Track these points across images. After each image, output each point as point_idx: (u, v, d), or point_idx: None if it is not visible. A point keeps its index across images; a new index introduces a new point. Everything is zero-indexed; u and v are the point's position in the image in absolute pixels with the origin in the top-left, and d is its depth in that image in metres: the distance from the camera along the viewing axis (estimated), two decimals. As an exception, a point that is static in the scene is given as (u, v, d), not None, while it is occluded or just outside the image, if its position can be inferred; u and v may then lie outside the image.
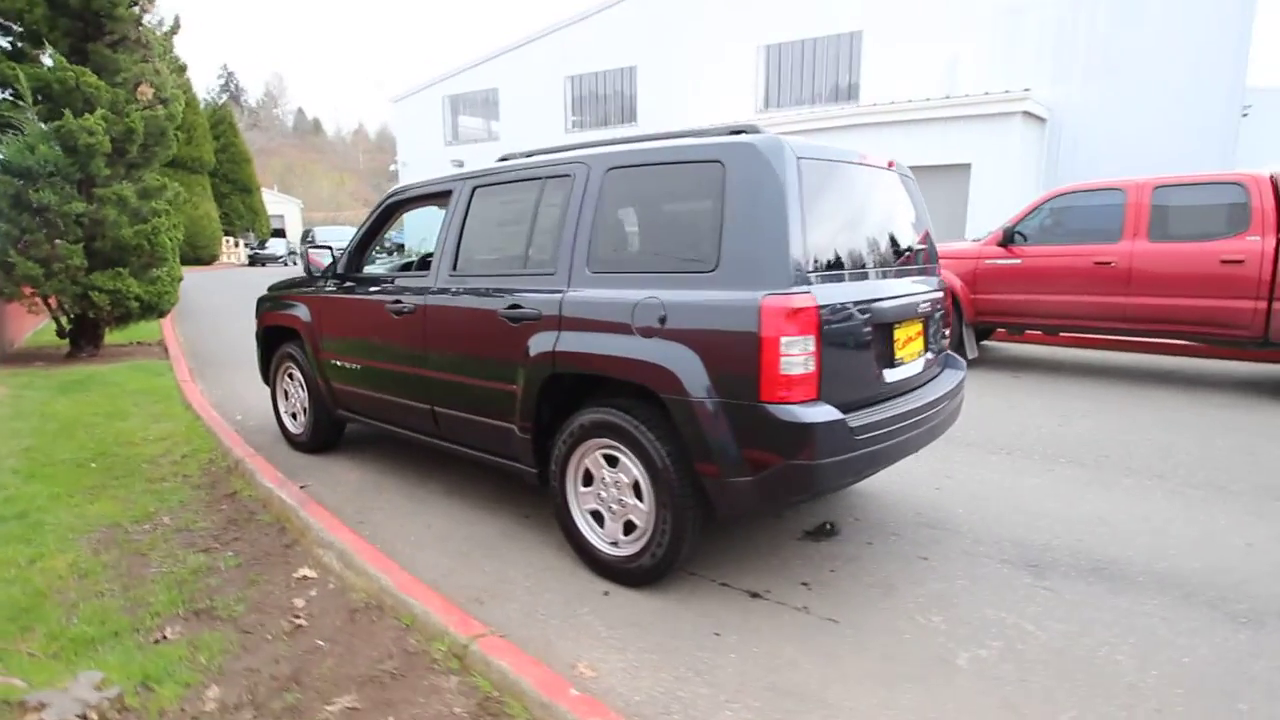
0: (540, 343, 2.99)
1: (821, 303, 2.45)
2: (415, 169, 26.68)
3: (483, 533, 3.47)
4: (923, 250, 3.36)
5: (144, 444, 4.81)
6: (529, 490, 3.94)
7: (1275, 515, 3.59)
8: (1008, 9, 15.06)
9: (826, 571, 3.05)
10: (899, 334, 2.93)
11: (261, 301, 5.01)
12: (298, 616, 2.65)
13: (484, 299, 3.28)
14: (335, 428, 4.67)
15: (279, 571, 3.03)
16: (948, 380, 3.32)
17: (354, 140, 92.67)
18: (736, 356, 2.46)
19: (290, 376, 4.81)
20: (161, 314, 8.67)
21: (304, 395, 4.66)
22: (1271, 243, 5.52)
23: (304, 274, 4.55)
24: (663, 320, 2.61)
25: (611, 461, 2.90)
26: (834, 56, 18.39)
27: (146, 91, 8.09)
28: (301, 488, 3.87)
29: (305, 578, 2.94)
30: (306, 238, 26.51)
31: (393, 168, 28.80)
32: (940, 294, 3.37)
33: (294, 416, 4.86)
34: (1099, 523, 3.51)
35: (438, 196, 3.84)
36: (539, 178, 3.21)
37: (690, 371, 2.53)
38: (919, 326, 3.13)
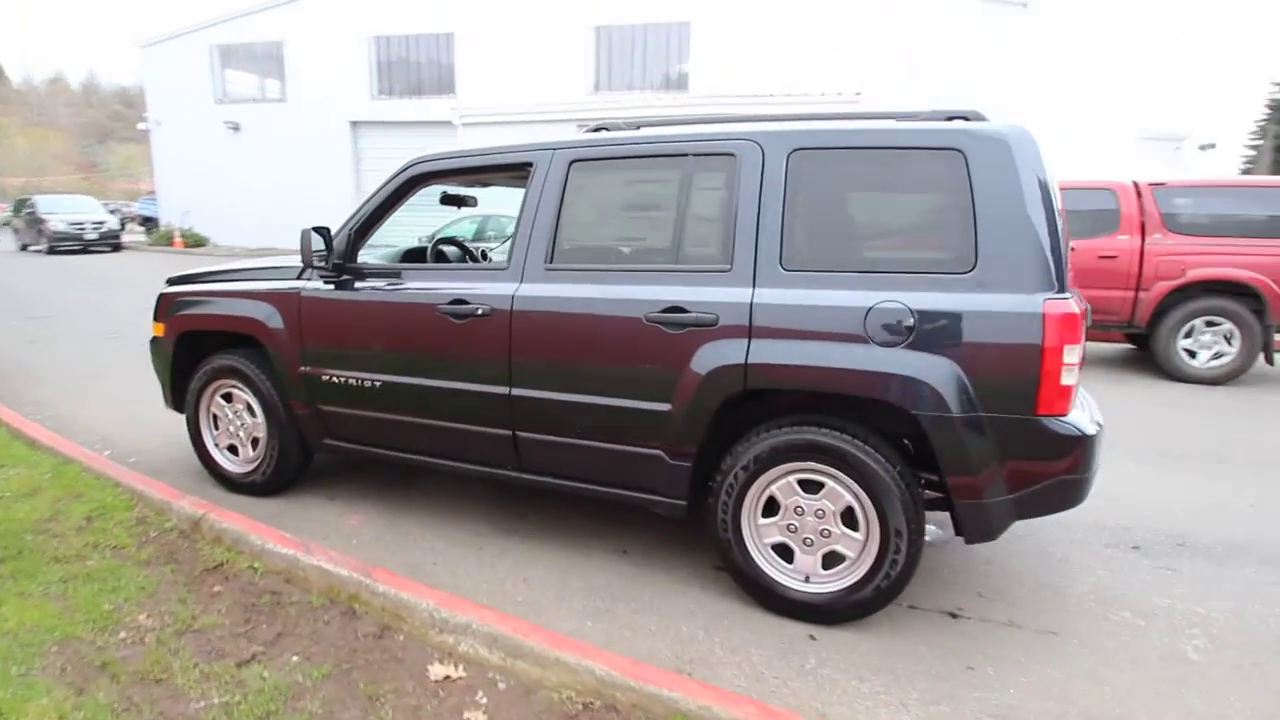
0: (718, 354, 2.52)
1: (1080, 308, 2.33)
2: (174, 129, 22.43)
3: (596, 578, 2.90)
4: None
5: (2, 506, 3.36)
6: (590, 517, 3.39)
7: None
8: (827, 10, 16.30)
9: (980, 578, 2.99)
10: None
11: (171, 300, 3.74)
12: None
13: (615, 301, 2.70)
14: (304, 462, 3.65)
15: (402, 677, 2.24)
16: None
17: (51, 91, 75.87)
18: (1010, 367, 2.25)
19: (227, 399, 3.66)
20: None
21: (255, 422, 3.57)
22: (1138, 241, 6.53)
23: (277, 262, 3.47)
24: (911, 329, 2.31)
25: (810, 488, 2.55)
26: (664, 44, 18.64)
27: None
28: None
29: (448, 679, 2.21)
30: (22, 209, 20.97)
31: (141, 126, 23.90)
32: None
33: (233, 450, 3.72)
34: (1150, 500, 3.84)
35: (499, 170, 3.11)
36: (682, 154, 2.69)
37: (951, 385, 2.27)
38: None
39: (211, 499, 3.53)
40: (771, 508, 2.62)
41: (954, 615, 2.69)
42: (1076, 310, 2.23)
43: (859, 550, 2.51)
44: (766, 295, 2.49)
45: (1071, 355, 2.22)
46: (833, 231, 2.51)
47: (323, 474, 3.88)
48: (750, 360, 2.48)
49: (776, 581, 2.62)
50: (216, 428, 3.75)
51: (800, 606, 2.59)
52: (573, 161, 2.86)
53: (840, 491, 2.49)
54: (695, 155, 2.67)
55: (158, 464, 4.04)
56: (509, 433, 2.96)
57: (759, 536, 2.64)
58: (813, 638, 2.52)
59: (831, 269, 2.46)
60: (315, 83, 20.87)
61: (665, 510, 2.81)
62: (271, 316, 3.39)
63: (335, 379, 3.29)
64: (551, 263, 2.84)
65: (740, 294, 2.52)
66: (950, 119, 2.52)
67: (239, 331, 3.52)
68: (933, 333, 2.29)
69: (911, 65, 15.14)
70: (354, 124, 20.94)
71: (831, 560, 2.57)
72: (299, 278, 3.40)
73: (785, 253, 2.50)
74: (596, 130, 3.02)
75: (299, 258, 3.32)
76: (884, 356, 2.33)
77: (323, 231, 3.16)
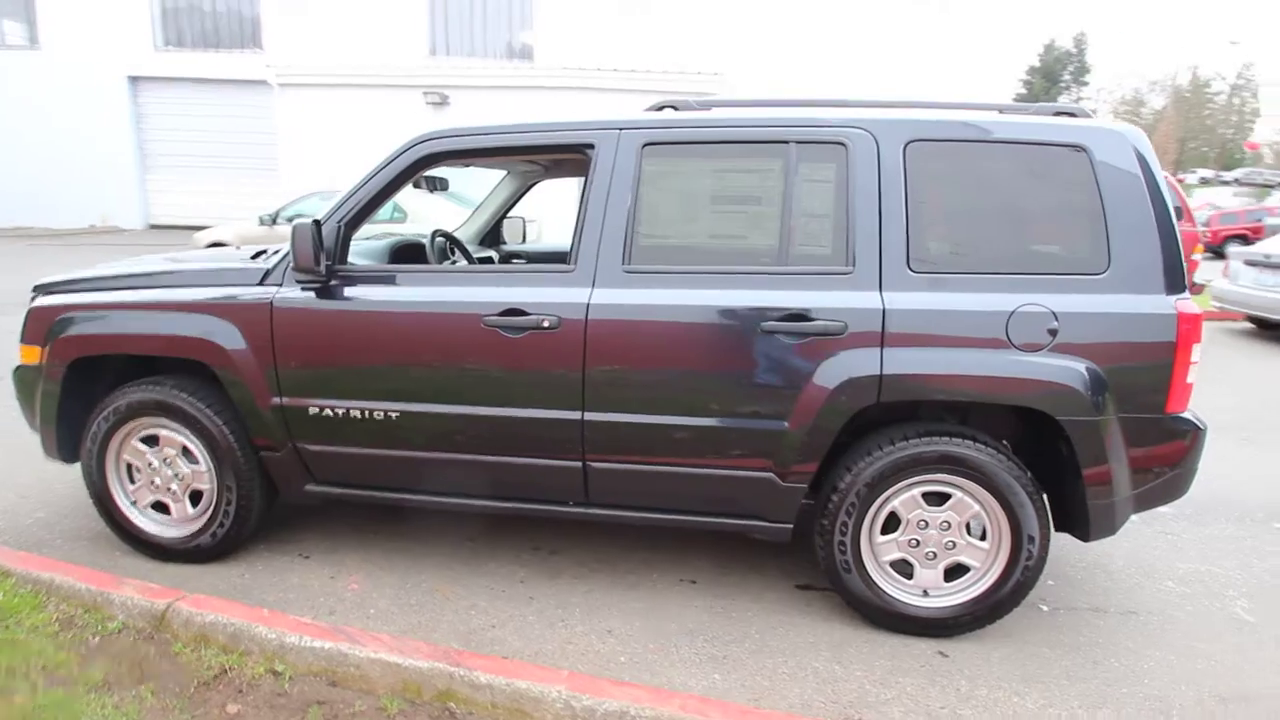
0: (847, 365, 2.30)
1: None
2: None
3: (685, 618, 2.59)
4: None
5: None
6: (627, 545, 3.06)
7: None
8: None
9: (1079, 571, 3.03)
10: None
11: (52, 316, 2.77)
12: None
13: (722, 309, 2.36)
14: (263, 515, 2.91)
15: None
16: None
17: None
18: (1146, 368, 2.27)
19: (149, 442, 2.81)
20: None
21: (195, 470, 2.78)
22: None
23: (217, 264, 2.65)
24: (1054, 332, 2.24)
25: (933, 500, 2.43)
26: (505, 9, 17.68)
27: None
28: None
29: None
30: None
31: None
32: None
33: (158, 508, 2.87)
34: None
35: (542, 151, 2.61)
36: (782, 141, 2.40)
37: (1094, 389, 2.24)
38: None
39: (140, 573, 2.71)
40: (890, 523, 2.47)
41: (1042, 607, 2.73)
42: (1198, 311, 2.29)
43: (987, 560, 2.44)
44: (898, 300, 2.30)
45: (1196, 354, 2.28)
46: (959, 231, 2.38)
47: (269, 524, 3.11)
48: (885, 371, 2.28)
49: (896, 599, 2.49)
50: (133, 480, 2.87)
51: (920, 622, 2.48)
52: (647, 144, 2.45)
53: (969, 502, 2.40)
54: (799, 143, 2.39)
55: (29, 532, 3.04)
56: (578, 463, 2.53)
57: (877, 555, 2.48)
58: (943, 654, 2.43)
59: (961, 271, 2.32)
60: (78, 28, 17.29)
61: (765, 535, 2.56)
62: (227, 335, 2.62)
63: (328, 411, 2.62)
64: (629, 263, 2.43)
65: (868, 299, 2.31)
66: (1057, 115, 2.48)
67: (176, 355, 2.70)
68: (1074, 336, 2.24)
69: (774, 45, 15.60)
70: (133, 80, 17.71)
71: (954, 572, 2.48)
72: (263, 283, 2.65)
73: (912, 253, 2.32)
74: (661, 109, 2.62)
75: (253, 258, 2.59)
76: (1029, 362, 2.25)
77: (319, 226, 2.46)
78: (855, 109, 2.47)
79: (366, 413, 2.59)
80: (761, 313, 2.33)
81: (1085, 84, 56.98)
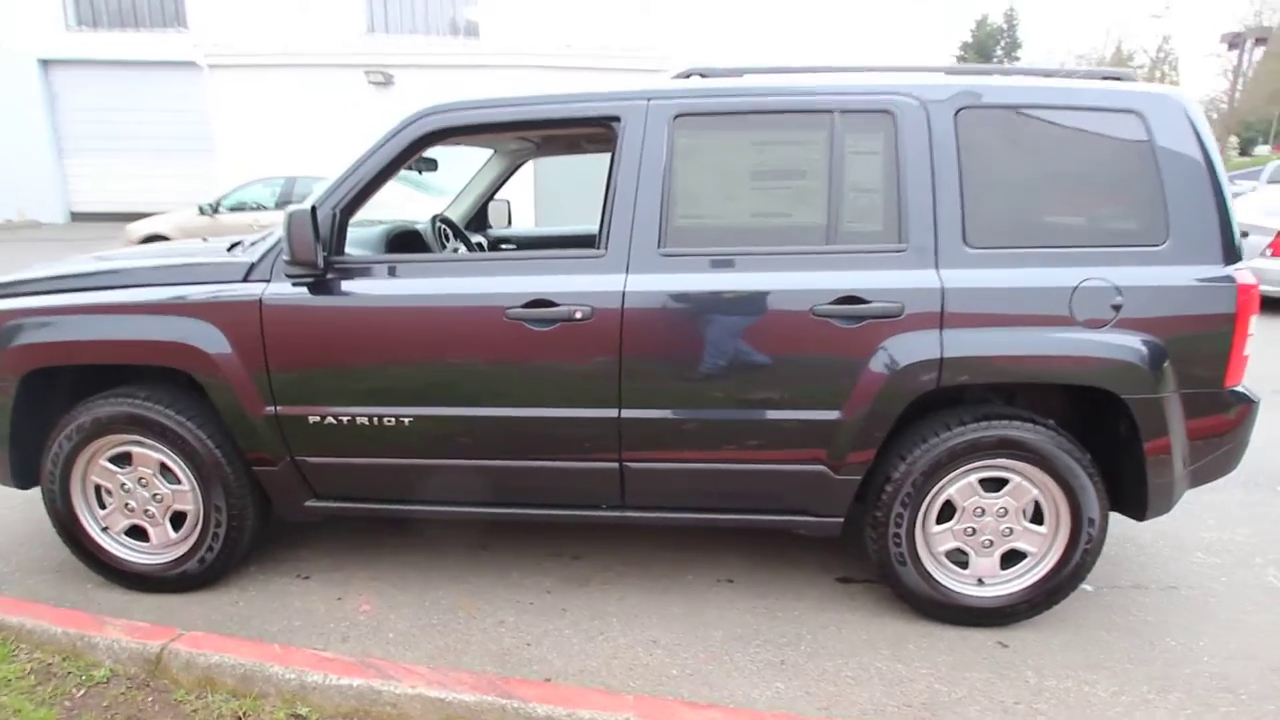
0: (907, 349, 2.16)
1: None
2: None
3: (730, 623, 2.44)
4: None
5: None
6: (653, 544, 2.90)
7: None
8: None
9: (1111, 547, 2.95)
10: None
11: (1, 325, 2.42)
12: None
13: (772, 293, 2.19)
14: (256, 536, 2.63)
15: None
16: None
17: None
18: (1207, 341, 2.19)
19: (120, 461, 2.50)
20: None
21: (176, 490, 2.49)
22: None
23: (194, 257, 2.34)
24: (1118, 307, 2.14)
25: (990, 485, 2.32)
26: (450, -15, 16.97)
27: None
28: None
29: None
30: None
31: None
32: None
33: (134, 533, 2.57)
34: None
35: (559, 125, 2.38)
36: (824, 110, 2.23)
37: (1157, 365, 2.16)
38: None
39: (118, 607, 2.42)
40: (945, 512, 2.36)
41: (1087, 588, 2.66)
42: (1254, 280, 2.22)
43: (1044, 545, 2.35)
44: (956, 278, 2.16)
45: (1252, 325, 2.22)
46: (1014, 203, 2.25)
47: (259, 543, 2.83)
48: (945, 354, 2.15)
49: (952, 590, 2.39)
50: (103, 505, 2.55)
51: (977, 613, 2.39)
52: (679, 115, 2.25)
53: (1028, 487, 2.30)
54: (843, 112, 2.23)
55: (-16, 568, 2.69)
56: (614, 464, 2.34)
57: (932, 545, 2.37)
58: (1004, 645, 2.34)
59: (1020, 245, 2.20)
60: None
61: (812, 531, 2.43)
62: (209, 338, 2.32)
63: (331, 419, 2.36)
64: (665, 246, 2.23)
65: (924, 277, 2.17)
66: (1105, 79, 2.37)
67: (150, 363, 2.39)
68: (1138, 311, 2.15)
69: (729, 27, 15.38)
70: (44, 63, 16.42)
71: (1009, 559, 2.39)
72: (248, 278, 2.36)
73: (968, 228, 2.19)
74: (688, 75, 2.42)
75: (229, 250, 2.31)
76: (1095, 340, 2.15)
77: (313, 215, 2.17)
78: (897, 74, 2.31)
79: (375, 419, 2.34)
80: (811, 296, 2.17)
81: (1017, 59, 58.43)
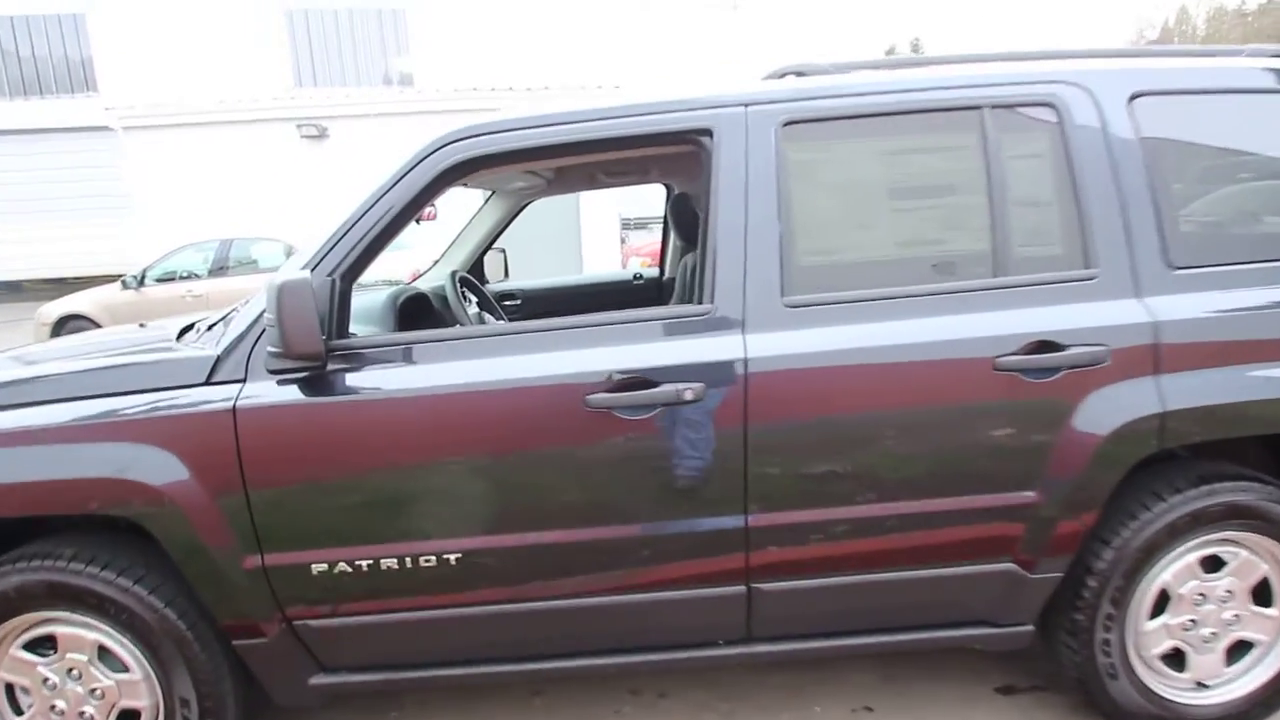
0: (1117, 404, 1.66)
1: None
2: None
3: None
4: None
5: None
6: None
7: None
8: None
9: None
10: None
11: None
12: None
13: (924, 343, 1.67)
14: (242, 720, 1.92)
15: None
16: None
17: None
18: None
19: (37, 648, 1.77)
20: None
21: (120, 680, 1.77)
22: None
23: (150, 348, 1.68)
24: (1369, 328, 1.70)
25: (1209, 564, 1.83)
26: (377, 34, 16.46)
27: None
28: None
29: None
30: None
31: None
32: None
33: (71, 740, 1.83)
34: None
35: (637, 143, 1.82)
36: (970, 106, 1.75)
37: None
38: None
39: None
40: (1157, 604, 1.85)
41: None
42: None
43: (1274, 631, 1.86)
44: (1165, 308, 1.69)
45: None
46: (1214, 210, 1.80)
47: None
48: (1167, 406, 1.66)
49: (1172, 702, 1.87)
50: (18, 710, 1.81)
51: (1189, 726, 1.88)
52: (788, 123, 1.73)
53: (1256, 561, 1.82)
54: (994, 108, 1.75)
55: None
56: (739, 588, 1.74)
57: (1144, 647, 1.85)
58: (1248, 767, 1.83)
59: (1231, 261, 1.74)
60: None
61: (993, 644, 1.89)
62: (157, 466, 1.64)
63: (344, 566, 1.69)
64: (790, 294, 1.69)
65: (1127, 310, 1.68)
66: (1277, 56, 1.96)
67: (68, 513, 1.69)
68: (1385, 331, 1.72)
69: (661, 58, 15.29)
70: (-61, 135, 15.06)
71: (1233, 653, 1.89)
72: (211, 379, 1.70)
73: (1169, 245, 1.72)
74: (783, 76, 1.90)
75: (179, 337, 1.67)
76: (1357, 370, 1.69)
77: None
78: (1047, 61, 1.86)
79: (408, 560, 1.69)
80: (990, 344, 1.66)
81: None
